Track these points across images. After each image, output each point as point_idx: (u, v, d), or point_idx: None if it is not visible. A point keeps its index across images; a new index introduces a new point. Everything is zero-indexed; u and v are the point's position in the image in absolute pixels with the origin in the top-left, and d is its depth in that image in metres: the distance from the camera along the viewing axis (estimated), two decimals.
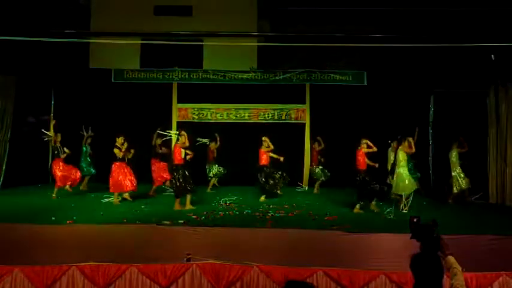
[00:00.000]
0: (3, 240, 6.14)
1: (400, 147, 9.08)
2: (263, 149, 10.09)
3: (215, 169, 11.30)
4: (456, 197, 9.89)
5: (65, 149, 10.24)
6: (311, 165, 11.75)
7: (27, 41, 7.76)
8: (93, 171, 11.27)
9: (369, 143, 8.78)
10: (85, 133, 11.19)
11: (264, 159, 10.05)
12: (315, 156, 11.53)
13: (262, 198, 9.80)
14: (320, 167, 11.43)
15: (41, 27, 10.50)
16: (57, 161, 10.15)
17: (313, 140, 11.77)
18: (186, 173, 8.75)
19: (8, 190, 10.83)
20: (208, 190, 11.05)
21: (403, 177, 8.85)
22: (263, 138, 10.13)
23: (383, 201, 9.00)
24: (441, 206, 9.43)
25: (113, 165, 9.31)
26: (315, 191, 11.32)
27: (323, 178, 11.35)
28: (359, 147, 8.80)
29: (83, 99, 12.34)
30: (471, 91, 10.99)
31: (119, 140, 9.35)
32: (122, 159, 9.35)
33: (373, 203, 8.72)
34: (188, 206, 8.73)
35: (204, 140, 11.31)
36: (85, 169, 11.09)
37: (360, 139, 8.89)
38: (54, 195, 9.78)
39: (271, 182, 9.92)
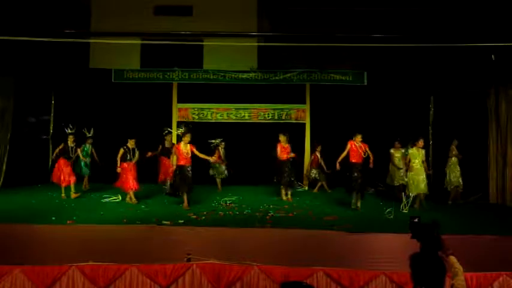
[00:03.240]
0: (4, 240, 6.14)
1: (414, 147, 9.18)
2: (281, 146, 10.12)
3: (221, 168, 11.36)
4: (454, 198, 9.93)
5: (78, 150, 10.37)
6: (311, 166, 11.79)
7: (27, 41, 7.77)
8: (88, 171, 11.32)
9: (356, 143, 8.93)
10: (87, 133, 11.23)
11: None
12: (316, 159, 11.59)
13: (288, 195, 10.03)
14: (317, 171, 11.50)
15: (41, 27, 10.51)
16: (62, 161, 10.06)
17: (315, 144, 11.78)
18: (187, 173, 8.93)
19: (8, 190, 10.82)
20: (219, 190, 11.18)
21: (425, 177, 9.10)
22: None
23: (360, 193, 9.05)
24: (441, 206, 9.44)
25: (122, 166, 9.43)
26: (315, 190, 11.38)
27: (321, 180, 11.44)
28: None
29: (83, 99, 12.34)
30: (471, 91, 10.99)
31: (131, 142, 9.52)
32: (130, 160, 9.48)
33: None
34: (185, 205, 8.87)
35: (216, 141, 11.37)
36: (83, 169, 11.13)
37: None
38: (63, 194, 9.87)
39: (287, 178, 10.01)
